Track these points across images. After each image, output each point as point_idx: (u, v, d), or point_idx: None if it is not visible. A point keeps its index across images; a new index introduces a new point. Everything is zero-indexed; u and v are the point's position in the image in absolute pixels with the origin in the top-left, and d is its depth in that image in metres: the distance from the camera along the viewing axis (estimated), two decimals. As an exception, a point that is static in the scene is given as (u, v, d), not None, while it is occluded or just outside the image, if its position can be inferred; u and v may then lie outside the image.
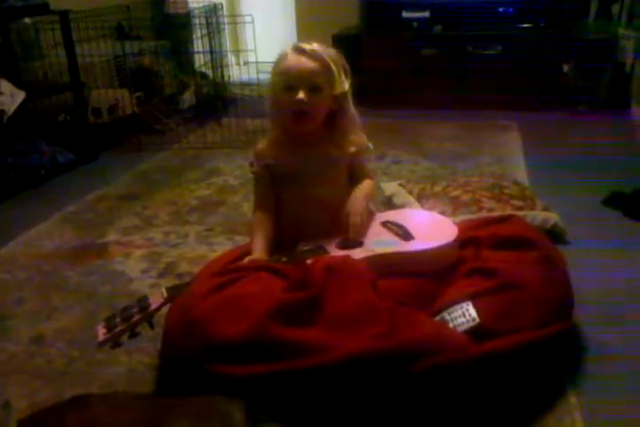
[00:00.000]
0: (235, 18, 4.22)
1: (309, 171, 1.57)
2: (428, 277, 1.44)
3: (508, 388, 1.29)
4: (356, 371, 1.18)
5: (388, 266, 1.43)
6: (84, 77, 3.14)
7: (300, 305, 1.26)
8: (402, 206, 2.16)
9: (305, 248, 1.52)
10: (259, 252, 1.53)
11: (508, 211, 1.98)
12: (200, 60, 3.95)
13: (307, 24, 4.43)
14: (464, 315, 1.30)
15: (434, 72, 3.90)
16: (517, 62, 3.72)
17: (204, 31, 3.68)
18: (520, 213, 1.93)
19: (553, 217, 2.02)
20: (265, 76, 1.68)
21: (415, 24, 3.93)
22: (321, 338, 1.21)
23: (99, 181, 2.81)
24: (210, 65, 3.88)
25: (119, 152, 3.26)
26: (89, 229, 2.28)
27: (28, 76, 3.11)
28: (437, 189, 2.20)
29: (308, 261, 1.40)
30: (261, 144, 1.64)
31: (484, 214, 1.96)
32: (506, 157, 2.93)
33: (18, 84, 2.74)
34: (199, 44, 3.75)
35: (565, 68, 3.74)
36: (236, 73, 4.09)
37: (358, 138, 1.62)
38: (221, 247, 2.03)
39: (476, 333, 1.26)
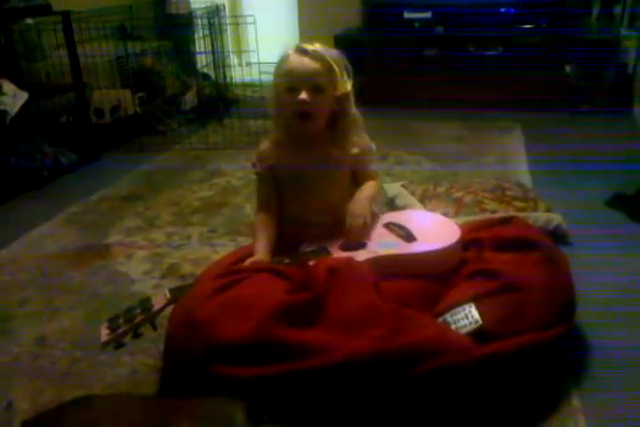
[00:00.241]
0: (237, 18, 4.22)
1: (312, 172, 1.57)
2: (431, 278, 1.44)
3: (510, 390, 1.29)
4: (358, 373, 1.18)
5: (390, 268, 1.43)
6: (87, 78, 3.14)
7: (303, 307, 1.26)
8: (404, 208, 2.16)
9: (308, 250, 1.52)
10: (261, 253, 1.53)
11: (511, 212, 1.98)
12: (202, 61, 3.95)
13: (309, 25, 4.43)
14: (467, 317, 1.30)
15: (436, 73, 3.89)
16: (519, 63, 3.71)
17: (207, 32, 3.68)
18: (522, 215, 1.93)
19: (555, 218, 2.02)
20: (267, 77, 1.67)
21: (417, 25, 3.93)
22: (323, 340, 1.21)
23: (101, 181, 2.81)
24: (212, 66, 3.88)
25: (121, 153, 3.26)
26: (91, 230, 2.29)
27: (31, 77, 3.11)
28: (440, 190, 2.20)
29: (311, 263, 1.40)
30: (264, 145, 1.64)
31: (486, 216, 1.96)
32: (508, 157, 2.93)
33: (20, 84, 2.74)
34: (201, 45, 3.75)
35: (567, 68, 3.74)
36: (239, 74, 4.09)
37: (361, 139, 1.61)
38: (224, 248, 2.03)
39: (478, 335, 1.26)
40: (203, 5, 3.85)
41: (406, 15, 3.94)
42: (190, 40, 4.02)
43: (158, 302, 1.37)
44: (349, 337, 1.21)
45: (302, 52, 1.47)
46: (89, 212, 2.48)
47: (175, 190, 2.69)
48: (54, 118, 3.15)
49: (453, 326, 1.29)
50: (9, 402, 1.35)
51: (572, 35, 3.70)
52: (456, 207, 2.06)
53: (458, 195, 2.14)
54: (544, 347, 1.31)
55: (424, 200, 2.16)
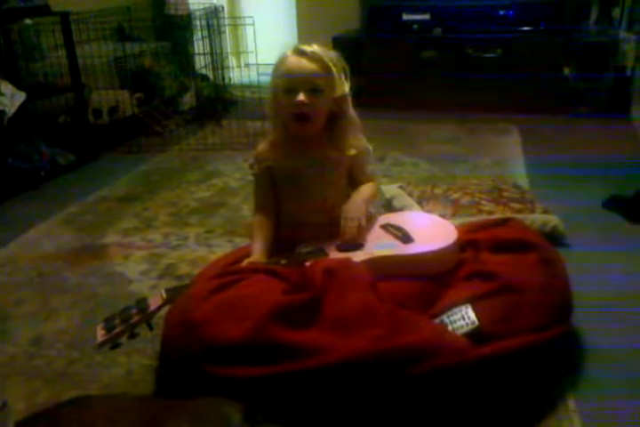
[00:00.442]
0: (235, 20, 4.23)
1: (309, 173, 1.57)
2: (428, 279, 1.44)
3: (506, 391, 1.29)
4: (355, 373, 1.18)
5: (387, 269, 1.43)
6: (85, 79, 3.14)
7: (300, 307, 1.26)
8: (402, 209, 2.17)
9: (305, 250, 1.52)
10: (258, 254, 1.53)
11: (508, 214, 1.98)
12: (201, 62, 3.96)
13: (307, 26, 4.43)
14: (463, 318, 1.30)
15: (434, 75, 3.90)
16: (517, 65, 3.72)
17: (205, 33, 3.68)
18: (520, 216, 1.93)
19: (553, 220, 2.02)
20: (265, 79, 1.67)
21: (415, 27, 3.94)
22: (320, 340, 1.21)
23: (99, 182, 2.81)
24: (210, 67, 3.89)
25: (119, 153, 3.26)
26: (89, 231, 2.28)
27: (29, 78, 3.11)
28: (437, 191, 2.21)
29: (308, 264, 1.40)
30: (261, 146, 1.64)
31: (483, 217, 1.97)
32: (506, 159, 2.94)
33: (18, 85, 2.74)
34: (200, 46, 3.75)
35: (566, 71, 3.75)
36: (237, 75, 4.10)
37: (358, 140, 1.62)
38: (221, 249, 2.03)
39: (475, 336, 1.26)
40: (201, 6, 3.84)
41: (405, 17, 3.94)
42: (189, 41, 4.02)
43: (154, 302, 1.37)
44: (346, 338, 1.21)
45: (300, 53, 1.48)
46: (86, 212, 2.48)
47: (173, 191, 2.69)
48: (52, 119, 3.15)
49: (450, 327, 1.29)
50: (4, 402, 1.34)
51: (570, 37, 3.71)
52: (453, 209, 2.07)
53: (455, 196, 2.14)
54: (540, 348, 1.31)
55: (421, 201, 2.17)
